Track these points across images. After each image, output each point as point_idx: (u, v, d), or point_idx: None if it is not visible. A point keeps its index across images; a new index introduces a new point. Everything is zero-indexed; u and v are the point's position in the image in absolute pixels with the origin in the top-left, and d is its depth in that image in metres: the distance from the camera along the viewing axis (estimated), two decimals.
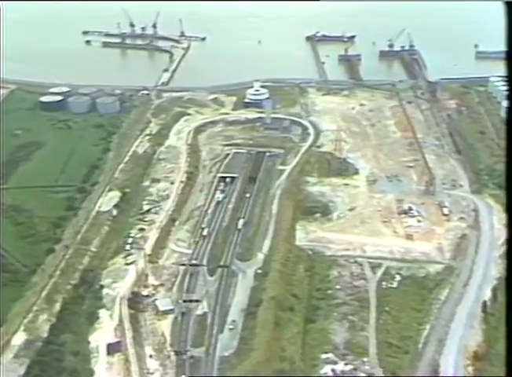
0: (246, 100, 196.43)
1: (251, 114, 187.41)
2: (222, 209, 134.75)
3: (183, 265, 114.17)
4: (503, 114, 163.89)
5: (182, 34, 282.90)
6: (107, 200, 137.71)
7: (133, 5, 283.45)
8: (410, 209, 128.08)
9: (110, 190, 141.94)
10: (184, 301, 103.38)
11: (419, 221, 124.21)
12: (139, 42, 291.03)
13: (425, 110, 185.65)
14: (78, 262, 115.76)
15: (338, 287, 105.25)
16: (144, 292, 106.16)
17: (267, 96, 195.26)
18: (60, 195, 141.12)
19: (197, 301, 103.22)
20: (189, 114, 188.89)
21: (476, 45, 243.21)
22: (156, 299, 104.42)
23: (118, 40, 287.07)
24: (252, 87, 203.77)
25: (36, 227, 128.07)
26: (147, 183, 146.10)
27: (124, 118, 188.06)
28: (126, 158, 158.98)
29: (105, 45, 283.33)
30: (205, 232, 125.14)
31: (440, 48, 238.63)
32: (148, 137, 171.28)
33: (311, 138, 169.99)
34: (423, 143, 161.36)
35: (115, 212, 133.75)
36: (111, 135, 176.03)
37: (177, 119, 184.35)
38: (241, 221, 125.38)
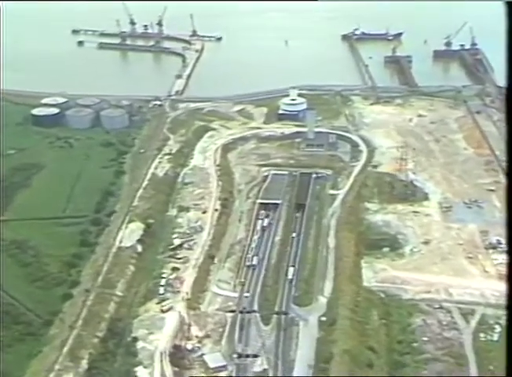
0: (281, 112, 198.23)
1: (288, 128, 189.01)
2: (268, 243, 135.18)
3: (231, 311, 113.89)
4: None
5: (194, 34, 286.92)
6: (129, 234, 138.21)
7: None
8: (499, 242, 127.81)
9: (130, 221, 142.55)
10: (239, 355, 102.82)
11: None
12: (141, 42, 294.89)
13: (498, 121, 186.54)
14: (102, 310, 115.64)
15: (424, 338, 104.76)
16: (188, 345, 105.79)
17: (305, 106, 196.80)
18: (71, 229, 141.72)
19: (255, 356, 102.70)
20: (213, 129, 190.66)
21: None
22: (204, 354, 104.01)
23: (116, 40, 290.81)
24: (286, 96, 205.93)
25: (46, 268, 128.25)
26: (173, 212, 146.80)
27: (135, 135, 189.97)
28: (145, 182, 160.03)
29: (101, 46, 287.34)
30: (251, 272, 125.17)
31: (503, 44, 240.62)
32: (167, 157, 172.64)
33: (364, 156, 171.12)
34: (503, 161, 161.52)
35: (139, 248, 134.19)
36: (122, 155, 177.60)
37: (201, 135, 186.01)
38: (291, 270, 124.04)
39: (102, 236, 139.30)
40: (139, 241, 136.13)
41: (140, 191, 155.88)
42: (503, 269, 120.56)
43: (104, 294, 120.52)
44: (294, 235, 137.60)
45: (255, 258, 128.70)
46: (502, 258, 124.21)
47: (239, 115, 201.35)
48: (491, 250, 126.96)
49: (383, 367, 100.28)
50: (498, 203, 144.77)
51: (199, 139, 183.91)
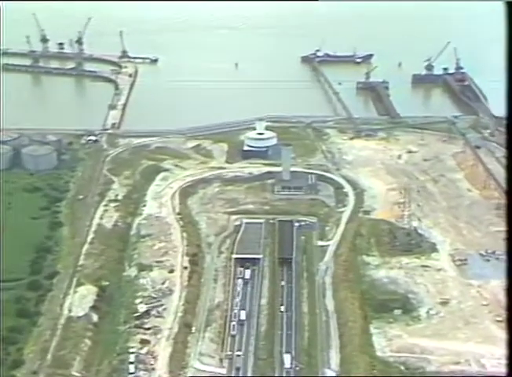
0: (246, 148, 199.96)
1: (256, 167, 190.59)
2: (253, 306, 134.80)
3: None
4: None
5: (124, 54, 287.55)
6: (79, 300, 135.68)
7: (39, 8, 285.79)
8: None
9: (79, 284, 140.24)
10: None
11: None
12: (56, 64, 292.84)
13: (502, 157, 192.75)
14: None
15: None
16: None
17: (275, 141, 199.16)
18: (3, 296, 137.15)
19: None
20: (166, 169, 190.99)
21: None
22: None
23: (25, 61, 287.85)
24: (248, 129, 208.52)
25: None
26: (132, 272, 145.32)
27: (68, 178, 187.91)
28: (90, 235, 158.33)
29: (6, 68, 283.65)
30: (239, 342, 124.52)
31: (495, 69, 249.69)
32: (114, 205, 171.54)
33: (351, 200, 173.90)
34: None
35: (95, 317, 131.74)
36: (55, 202, 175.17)
37: (151, 177, 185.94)
38: (287, 358, 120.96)
39: (44, 303, 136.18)
40: (93, 309, 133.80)
41: (86, 246, 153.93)
42: None
43: (57, 375, 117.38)
44: (283, 297, 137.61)
45: (239, 327, 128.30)
46: None
47: (194, 152, 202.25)
48: None
49: None
50: None
51: (149, 182, 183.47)
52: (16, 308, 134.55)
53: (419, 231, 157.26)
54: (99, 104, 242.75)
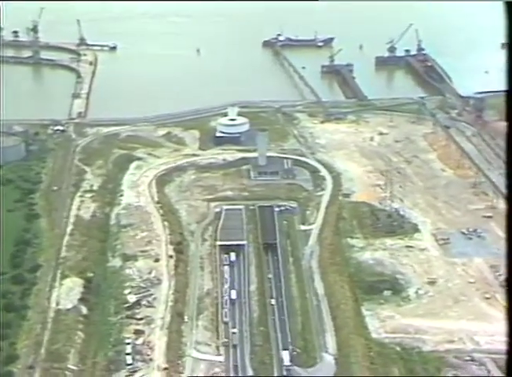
0: (218, 135, 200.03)
1: (230, 154, 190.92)
2: (244, 292, 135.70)
3: None
4: None
5: (82, 42, 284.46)
6: (66, 292, 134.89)
7: None
8: None
9: (64, 277, 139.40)
10: None
11: None
12: (11, 52, 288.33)
13: (472, 137, 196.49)
14: None
15: None
16: None
17: (248, 127, 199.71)
18: None
19: None
20: (139, 158, 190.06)
21: (504, 45, 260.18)
22: None
23: None
24: (217, 115, 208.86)
25: None
26: (117, 262, 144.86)
27: (39, 169, 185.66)
28: (69, 226, 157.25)
29: None
30: (233, 328, 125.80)
31: (455, 51, 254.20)
32: (90, 195, 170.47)
33: (329, 184, 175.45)
34: (492, 183, 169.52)
35: (84, 309, 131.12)
36: (28, 194, 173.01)
37: (125, 167, 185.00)
38: (286, 355, 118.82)
39: (30, 297, 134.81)
40: (81, 301, 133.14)
41: (66, 238, 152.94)
42: None
43: (54, 369, 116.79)
44: (271, 282, 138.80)
45: (231, 314, 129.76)
46: None
47: (166, 140, 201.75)
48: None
49: None
50: (499, 231, 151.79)
51: (123, 171, 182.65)
52: (2, 302, 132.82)
53: (401, 212, 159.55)
54: (60, 93, 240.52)
